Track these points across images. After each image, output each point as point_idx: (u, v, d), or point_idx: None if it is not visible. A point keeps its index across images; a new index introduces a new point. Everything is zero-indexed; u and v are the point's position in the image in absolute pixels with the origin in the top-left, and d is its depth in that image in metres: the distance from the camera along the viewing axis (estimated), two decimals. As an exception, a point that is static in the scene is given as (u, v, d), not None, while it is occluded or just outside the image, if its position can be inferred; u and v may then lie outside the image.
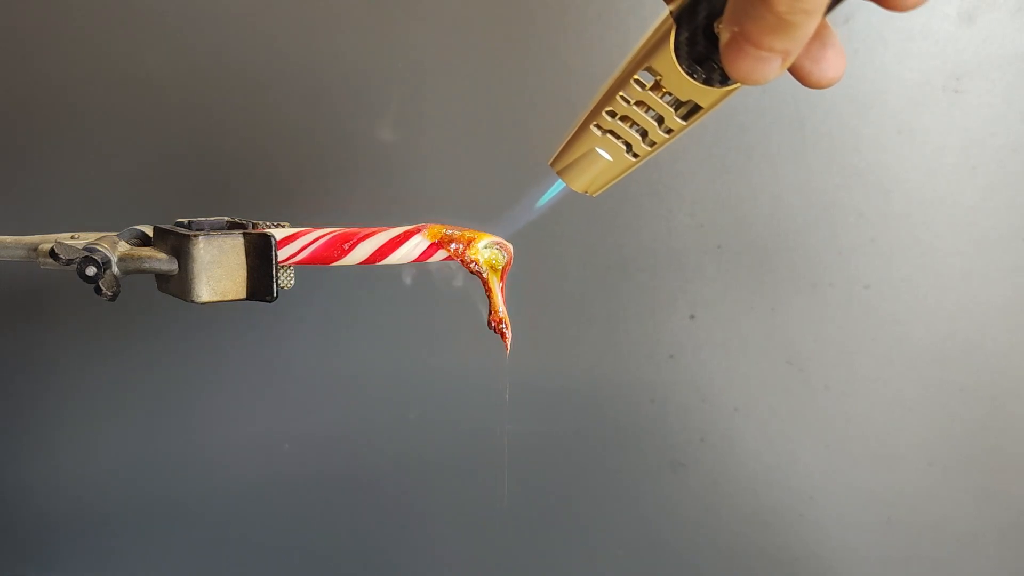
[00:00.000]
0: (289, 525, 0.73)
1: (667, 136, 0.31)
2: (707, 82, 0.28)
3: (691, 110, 0.30)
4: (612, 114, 0.31)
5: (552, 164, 0.33)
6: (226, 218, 0.43)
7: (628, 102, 0.30)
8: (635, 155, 0.32)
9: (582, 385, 0.70)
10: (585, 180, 0.33)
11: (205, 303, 0.40)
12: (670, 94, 0.29)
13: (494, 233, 0.40)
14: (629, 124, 0.31)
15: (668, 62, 0.28)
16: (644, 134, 0.31)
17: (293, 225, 0.43)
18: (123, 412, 0.72)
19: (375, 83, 0.67)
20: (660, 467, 0.70)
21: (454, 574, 0.73)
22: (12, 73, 0.68)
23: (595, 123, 0.31)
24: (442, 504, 0.72)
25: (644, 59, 0.29)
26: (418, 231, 0.40)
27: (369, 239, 0.41)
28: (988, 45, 0.63)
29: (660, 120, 0.30)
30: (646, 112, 0.30)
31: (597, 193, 0.34)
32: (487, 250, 0.40)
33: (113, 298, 0.41)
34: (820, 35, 0.28)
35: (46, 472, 0.73)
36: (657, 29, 0.28)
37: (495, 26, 0.66)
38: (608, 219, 0.67)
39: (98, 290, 0.40)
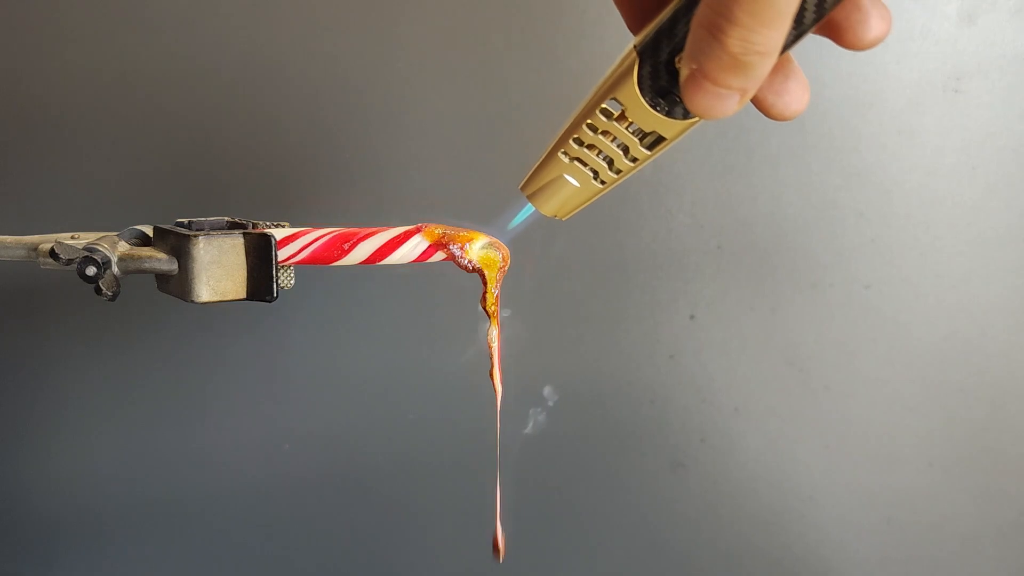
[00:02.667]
0: (289, 525, 0.73)
1: (633, 165, 0.31)
2: (670, 114, 0.29)
3: (655, 140, 0.30)
4: (579, 142, 0.32)
5: (522, 188, 0.34)
6: (226, 218, 0.43)
7: (594, 131, 0.31)
8: (602, 182, 0.32)
9: (582, 385, 0.70)
10: (554, 205, 0.34)
11: (205, 303, 0.40)
12: (635, 124, 0.30)
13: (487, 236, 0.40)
14: (596, 152, 0.32)
15: (632, 94, 0.29)
16: (610, 162, 0.32)
17: (293, 225, 0.43)
18: (123, 412, 0.72)
19: (374, 82, 0.67)
20: (660, 467, 0.70)
21: (454, 574, 0.73)
22: (12, 73, 0.68)
23: (563, 150, 0.32)
24: (442, 504, 0.72)
25: (609, 90, 0.30)
26: (417, 231, 0.40)
27: (369, 239, 0.41)
28: (988, 45, 0.63)
29: (626, 149, 0.31)
30: (612, 141, 0.31)
31: (566, 217, 0.34)
32: (484, 251, 0.40)
33: (113, 298, 0.41)
34: (783, 68, 0.29)
35: (46, 472, 0.73)
36: (622, 62, 0.29)
37: (493, 27, 0.66)
38: (608, 219, 0.67)
39: (98, 290, 0.40)
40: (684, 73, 0.26)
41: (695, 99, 0.26)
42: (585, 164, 0.32)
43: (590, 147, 0.32)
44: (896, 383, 0.68)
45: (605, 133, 0.31)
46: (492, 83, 0.67)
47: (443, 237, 0.40)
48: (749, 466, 0.70)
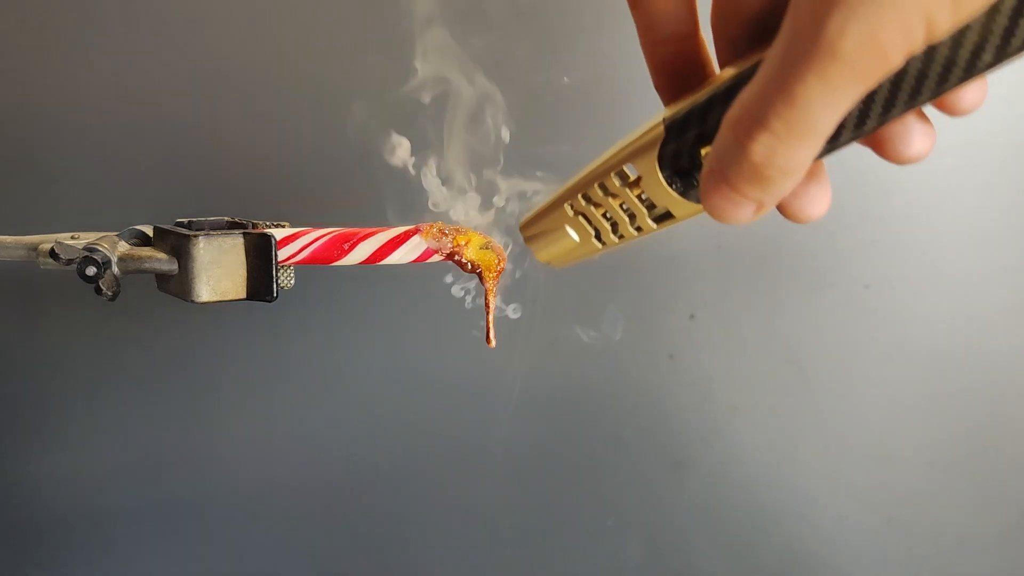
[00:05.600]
0: (288, 525, 0.73)
1: (636, 233, 0.30)
2: (683, 195, 0.28)
3: (663, 215, 0.29)
4: (587, 199, 0.31)
5: (521, 228, 0.33)
6: (226, 218, 0.43)
7: (605, 191, 0.30)
8: (602, 243, 0.32)
9: (582, 385, 0.70)
10: (550, 253, 0.33)
11: (205, 303, 0.40)
12: (647, 195, 0.29)
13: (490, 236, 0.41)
14: (602, 212, 0.31)
15: (651, 166, 0.28)
16: (615, 225, 0.31)
17: (293, 225, 0.43)
18: (123, 412, 0.72)
19: (373, 82, 0.67)
20: (660, 467, 0.70)
21: (453, 574, 0.73)
22: (12, 73, 0.68)
23: (570, 202, 0.31)
24: (441, 504, 0.72)
25: (629, 156, 0.29)
26: (416, 232, 0.41)
27: (369, 239, 0.41)
28: (988, 45, 0.63)
29: (632, 217, 0.30)
30: (620, 206, 0.30)
31: (560, 268, 0.34)
32: (481, 251, 0.40)
33: (113, 298, 0.41)
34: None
35: (47, 472, 0.73)
36: (648, 131, 0.28)
37: (495, 26, 0.66)
38: (608, 219, 0.67)
39: (98, 290, 0.40)
40: (706, 167, 0.25)
41: (710, 198, 0.25)
42: (589, 221, 0.31)
43: (597, 206, 0.31)
44: (896, 383, 0.68)
45: (615, 196, 0.30)
46: (492, 82, 0.67)
47: (442, 238, 0.40)
48: (749, 466, 0.70)
